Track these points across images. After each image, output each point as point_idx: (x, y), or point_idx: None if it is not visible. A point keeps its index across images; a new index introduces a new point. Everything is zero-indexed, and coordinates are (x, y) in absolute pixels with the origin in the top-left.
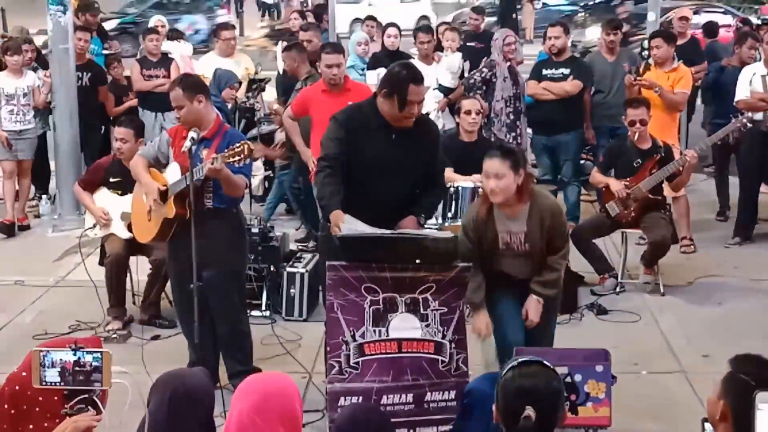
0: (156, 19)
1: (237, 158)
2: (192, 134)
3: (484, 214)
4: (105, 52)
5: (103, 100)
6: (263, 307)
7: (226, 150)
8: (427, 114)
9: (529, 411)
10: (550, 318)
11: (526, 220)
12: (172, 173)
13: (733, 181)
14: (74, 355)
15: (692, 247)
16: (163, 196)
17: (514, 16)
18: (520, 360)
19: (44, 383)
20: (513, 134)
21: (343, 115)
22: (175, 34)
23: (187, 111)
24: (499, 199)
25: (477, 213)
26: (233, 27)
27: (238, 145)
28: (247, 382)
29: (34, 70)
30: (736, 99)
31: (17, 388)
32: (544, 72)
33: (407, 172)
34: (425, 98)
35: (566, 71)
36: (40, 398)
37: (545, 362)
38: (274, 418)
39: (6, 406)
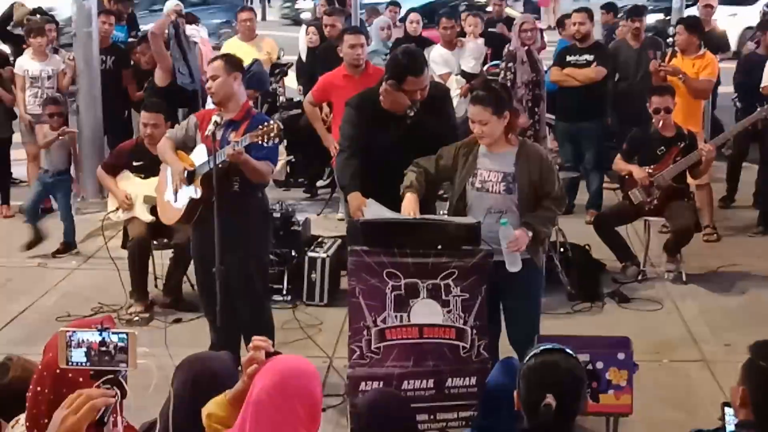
0: (174, 3)
1: (266, 137)
2: (215, 118)
3: (471, 142)
4: (130, 40)
5: (126, 84)
6: (284, 292)
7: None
8: None
9: (550, 399)
10: (530, 302)
11: (514, 163)
12: (200, 155)
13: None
14: (100, 335)
15: (715, 235)
16: (190, 177)
17: None
18: (542, 348)
19: (71, 363)
20: (531, 120)
21: (357, 99)
22: (190, 18)
23: (221, 82)
24: (486, 142)
25: (465, 141)
26: (251, 9)
27: (267, 123)
28: (267, 363)
29: (55, 51)
30: (762, 85)
31: (58, 371)
32: (568, 58)
33: (424, 147)
34: (450, 83)
35: (590, 57)
36: (81, 379)
37: (568, 350)
38: (293, 395)
39: (46, 390)
